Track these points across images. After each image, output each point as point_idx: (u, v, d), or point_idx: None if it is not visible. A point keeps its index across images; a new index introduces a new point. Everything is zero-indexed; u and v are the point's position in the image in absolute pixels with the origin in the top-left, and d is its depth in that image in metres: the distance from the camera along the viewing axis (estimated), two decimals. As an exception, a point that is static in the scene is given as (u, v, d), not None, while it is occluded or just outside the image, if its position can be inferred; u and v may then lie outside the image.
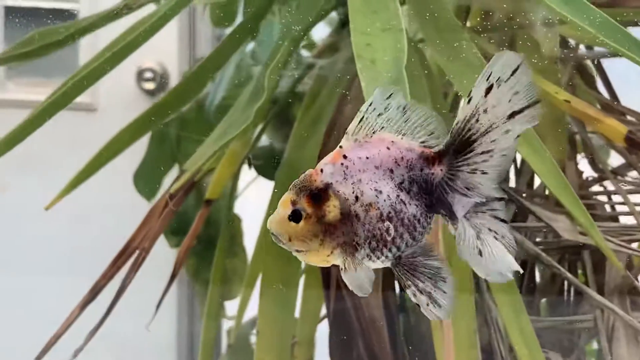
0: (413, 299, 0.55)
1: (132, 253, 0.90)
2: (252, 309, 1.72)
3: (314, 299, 0.99)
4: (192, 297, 1.89)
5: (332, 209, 0.54)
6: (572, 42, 1.06)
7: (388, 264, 0.55)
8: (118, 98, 2.18)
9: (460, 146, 0.52)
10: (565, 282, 1.05)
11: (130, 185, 1.50)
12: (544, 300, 1.07)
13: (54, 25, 0.99)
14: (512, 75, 0.50)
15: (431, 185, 0.54)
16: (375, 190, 0.54)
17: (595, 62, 1.09)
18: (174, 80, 2.13)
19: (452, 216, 0.54)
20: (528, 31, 0.93)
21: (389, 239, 0.54)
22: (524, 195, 1.03)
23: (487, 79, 0.50)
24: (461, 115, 0.52)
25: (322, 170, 0.54)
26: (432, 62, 0.95)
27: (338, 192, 0.54)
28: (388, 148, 0.54)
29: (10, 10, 1.93)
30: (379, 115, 0.54)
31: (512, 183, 1.06)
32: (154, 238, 0.80)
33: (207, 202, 1.00)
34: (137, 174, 1.55)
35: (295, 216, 0.54)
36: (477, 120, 0.51)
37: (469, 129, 0.51)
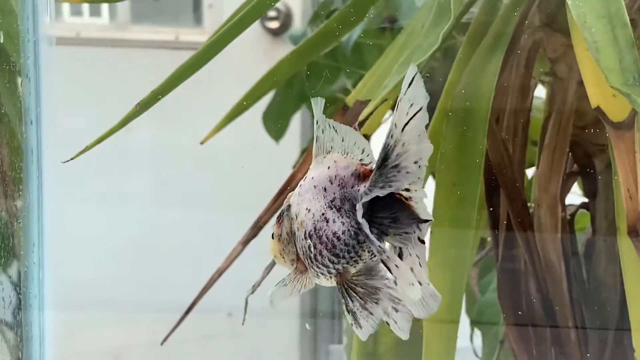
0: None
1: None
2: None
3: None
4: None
5: (283, 229, 0.57)
6: None
7: (334, 282, 0.56)
8: (241, 37, 2.16)
9: (380, 161, 0.51)
10: None
11: (255, 124, 1.49)
12: None
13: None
14: (408, 87, 0.49)
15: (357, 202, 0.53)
16: (307, 209, 0.55)
17: None
18: (297, 20, 2.09)
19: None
20: None
21: (312, 256, 0.55)
22: None
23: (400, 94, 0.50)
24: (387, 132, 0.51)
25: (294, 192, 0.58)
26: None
27: (289, 213, 0.57)
28: (329, 167, 0.54)
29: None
30: (323, 132, 0.55)
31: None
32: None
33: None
34: (266, 113, 1.53)
35: (272, 235, 0.58)
36: (392, 136, 0.50)
37: (387, 145, 0.50)
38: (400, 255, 0.52)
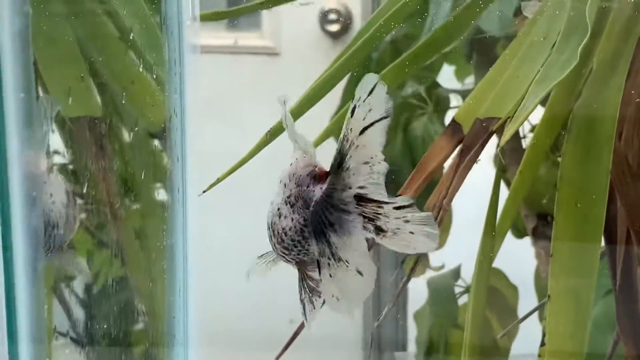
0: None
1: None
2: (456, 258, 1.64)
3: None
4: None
5: None
6: None
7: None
8: (301, 41, 2.12)
9: (336, 165, 0.54)
10: None
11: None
12: None
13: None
14: (369, 95, 0.51)
15: (310, 203, 0.56)
16: (271, 201, 0.58)
17: None
18: (357, 22, 2.05)
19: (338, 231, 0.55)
20: None
21: (271, 245, 0.59)
22: None
23: (354, 101, 0.53)
24: (340, 136, 0.54)
25: None
26: None
27: None
28: (291, 164, 0.57)
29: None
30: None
31: None
32: (452, 194, 0.73)
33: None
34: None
35: None
36: (347, 140, 0.53)
37: (342, 148, 0.53)
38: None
